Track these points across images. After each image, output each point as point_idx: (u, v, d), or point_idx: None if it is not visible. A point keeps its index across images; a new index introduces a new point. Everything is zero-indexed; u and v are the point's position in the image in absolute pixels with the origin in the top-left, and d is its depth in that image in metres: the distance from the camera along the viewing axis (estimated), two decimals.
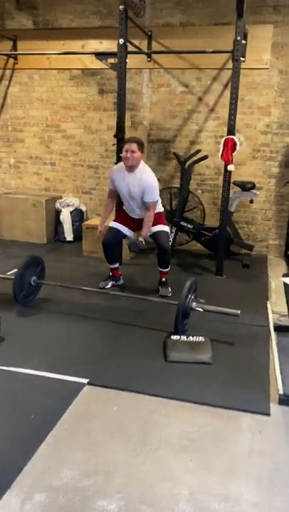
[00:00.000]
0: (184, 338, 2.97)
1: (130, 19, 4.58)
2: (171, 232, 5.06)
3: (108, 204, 3.99)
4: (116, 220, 3.95)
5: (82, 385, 2.51)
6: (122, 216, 3.95)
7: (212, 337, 3.09)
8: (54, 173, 5.92)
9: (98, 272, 4.43)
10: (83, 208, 5.83)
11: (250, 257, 5.04)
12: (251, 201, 4.94)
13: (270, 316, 3.50)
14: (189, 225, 5.07)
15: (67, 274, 4.42)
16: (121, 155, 3.73)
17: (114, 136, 4.40)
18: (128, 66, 5.21)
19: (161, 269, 4.00)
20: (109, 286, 4.07)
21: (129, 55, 5.03)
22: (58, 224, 5.70)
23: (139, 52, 4.66)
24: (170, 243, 3.96)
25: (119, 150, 4.37)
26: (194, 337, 2.98)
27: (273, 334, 3.19)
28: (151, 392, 2.45)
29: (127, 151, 3.57)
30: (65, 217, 5.60)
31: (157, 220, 3.82)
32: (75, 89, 5.57)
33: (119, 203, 4.01)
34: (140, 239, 3.63)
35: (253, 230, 5.41)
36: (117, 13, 4.08)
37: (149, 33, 5.09)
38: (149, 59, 5.19)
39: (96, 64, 5.24)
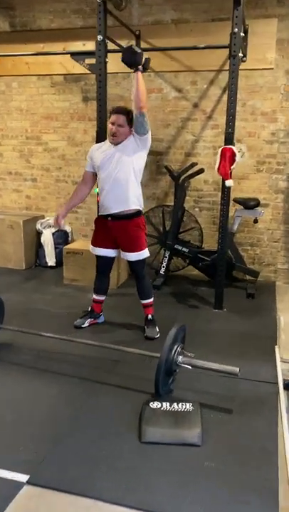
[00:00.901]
0: (166, 405, 2.30)
1: (116, 18, 4.03)
2: (164, 256, 4.42)
3: (79, 191, 3.32)
4: (96, 244, 3.30)
5: (20, 484, 1.85)
6: (99, 235, 3.29)
7: (203, 401, 2.42)
8: (35, 190, 5.33)
9: (78, 305, 3.80)
10: (68, 229, 5.21)
11: (256, 284, 4.36)
12: (255, 221, 4.27)
13: (279, 367, 2.81)
14: (185, 249, 4.42)
15: (40, 310, 3.79)
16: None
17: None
18: (114, 70, 4.67)
19: (142, 301, 3.36)
20: (86, 324, 3.43)
21: (115, 57, 4.48)
22: (39, 247, 5.08)
23: (121, 50, 4.04)
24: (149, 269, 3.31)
25: None
26: (180, 404, 2.30)
27: (283, 395, 2.50)
28: (115, 500, 1.77)
29: (113, 124, 3.01)
30: (47, 239, 4.99)
31: (136, 239, 3.17)
32: (56, 97, 5.00)
33: (95, 221, 3.36)
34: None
35: (258, 253, 4.73)
36: None
37: (137, 32, 4.51)
38: None
39: (79, 69, 4.64)
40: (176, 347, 2.43)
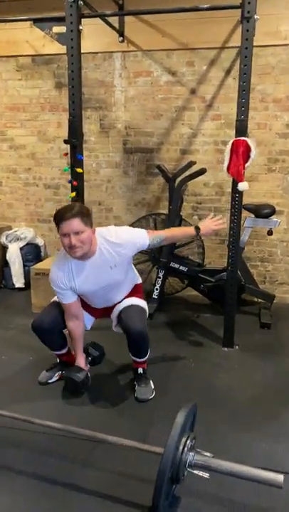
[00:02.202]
0: None
1: None
2: (158, 277, 3.57)
3: (76, 328, 2.39)
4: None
5: None
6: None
7: None
8: (0, 195, 4.43)
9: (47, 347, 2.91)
10: (40, 242, 4.32)
11: (271, 311, 3.54)
12: (270, 233, 3.45)
13: None
14: (182, 267, 3.57)
15: None
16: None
17: (66, 142, 2.94)
18: (93, 49, 3.85)
19: (134, 358, 2.48)
20: (54, 379, 2.55)
21: (94, 33, 3.67)
22: (4, 265, 4.19)
23: (96, 15, 3.21)
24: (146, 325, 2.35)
25: (75, 162, 2.94)
26: None
27: None
28: None
29: (67, 236, 2.08)
30: (13, 255, 4.10)
31: (131, 292, 2.42)
32: (23, 84, 4.12)
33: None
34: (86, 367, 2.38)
35: (270, 270, 3.91)
36: None
37: (121, 1, 3.67)
38: (121, 38, 3.76)
39: (51, 48, 3.86)
40: (184, 440, 1.58)
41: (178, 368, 2.76)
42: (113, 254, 2.20)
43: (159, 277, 3.59)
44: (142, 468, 1.79)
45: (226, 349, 3.01)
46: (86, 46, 3.71)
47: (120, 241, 2.20)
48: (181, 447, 1.55)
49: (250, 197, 3.75)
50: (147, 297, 3.61)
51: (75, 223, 2.06)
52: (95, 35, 3.72)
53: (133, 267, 2.47)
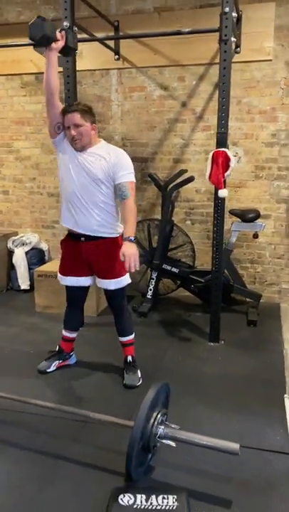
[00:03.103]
0: (140, 500, 1.68)
1: (91, 6, 3.52)
2: (152, 278, 3.82)
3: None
4: (64, 272, 2.69)
5: None
6: (68, 261, 2.67)
7: (192, 486, 1.81)
8: (7, 203, 4.74)
9: (47, 340, 3.21)
10: (44, 247, 4.62)
11: (258, 309, 3.76)
12: (255, 236, 3.68)
13: None
14: (174, 269, 3.82)
15: (0, 347, 3.18)
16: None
17: None
18: (91, 67, 4.15)
19: (121, 339, 2.76)
20: (52, 368, 2.81)
21: (92, 53, 3.97)
22: (11, 268, 4.48)
23: (92, 39, 3.50)
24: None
25: None
26: (159, 498, 1.69)
27: None
28: None
29: (69, 128, 2.41)
30: (19, 259, 4.39)
31: (113, 261, 2.54)
32: (28, 99, 4.43)
33: (62, 243, 2.75)
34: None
35: (259, 271, 4.13)
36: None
37: (116, 23, 3.95)
38: (117, 57, 4.04)
39: None
40: (155, 414, 1.83)
41: (166, 360, 3.00)
42: (105, 151, 2.45)
43: (153, 278, 3.84)
44: (124, 443, 2.04)
45: (211, 344, 3.24)
46: (85, 64, 4.03)
47: (117, 153, 2.46)
48: (151, 420, 1.80)
49: (239, 202, 4.00)
50: (142, 297, 3.90)
51: (75, 117, 2.38)
52: (92, 54, 4.02)
53: (115, 213, 2.57)
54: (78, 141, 2.41)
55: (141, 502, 1.67)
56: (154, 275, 3.83)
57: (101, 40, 3.67)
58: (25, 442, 2.12)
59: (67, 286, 2.73)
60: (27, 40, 3.91)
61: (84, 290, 2.76)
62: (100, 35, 3.78)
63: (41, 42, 2.44)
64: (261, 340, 3.31)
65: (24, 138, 4.52)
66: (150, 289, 3.83)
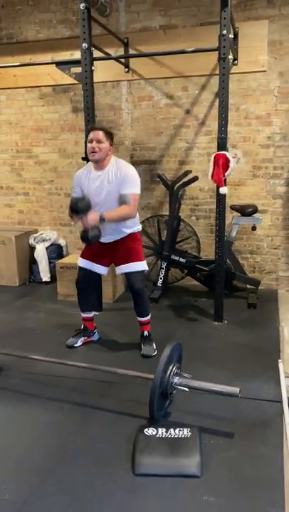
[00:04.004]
0: (162, 431, 2.13)
1: (103, 25, 3.95)
2: (161, 268, 4.27)
3: None
4: (84, 256, 3.17)
5: None
6: (91, 250, 3.15)
7: (203, 424, 2.25)
8: (28, 204, 5.20)
9: (71, 322, 3.64)
10: (62, 242, 5.07)
11: (257, 294, 4.20)
12: (254, 228, 4.12)
13: (283, 383, 2.64)
14: (182, 259, 4.27)
15: (31, 329, 3.63)
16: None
17: (83, 159, 3.67)
18: (104, 79, 4.61)
19: (139, 318, 3.20)
20: (79, 344, 3.27)
21: (104, 66, 4.41)
22: (33, 262, 4.94)
23: (107, 58, 3.96)
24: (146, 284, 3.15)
25: None
26: (177, 430, 2.13)
27: (288, 414, 2.32)
28: None
29: (91, 142, 2.87)
30: (40, 254, 4.85)
31: (131, 250, 3.04)
32: (46, 109, 4.90)
33: None
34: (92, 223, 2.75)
35: (258, 261, 4.57)
36: None
37: (126, 40, 4.41)
38: (126, 69, 4.50)
39: (68, 79, 4.54)
40: (171, 367, 2.27)
41: (176, 336, 3.43)
42: (114, 173, 2.88)
43: (162, 268, 4.29)
44: (146, 396, 2.47)
45: (216, 323, 3.68)
46: (98, 77, 4.45)
47: (124, 171, 2.87)
48: (168, 372, 2.24)
49: (239, 199, 4.44)
50: (153, 285, 4.34)
51: (100, 134, 2.85)
52: (105, 67, 4.45)
53: (138, 217, 3.09)
54: (96, 154, 2.86)
55: (162, 433, 2.11)
56: (164, 265, 4.27)
57: (116, 59, 4.12)
58: (64, 397, 2.57)
59: (80, 268, 3.16)
60: (45, 57, 4.42)
61: (96, 276, 3.20)
62: (111, 50, 4.25)
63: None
64: (260, 320, 3.74)
65: (43, 144, 4.98)
66: (160, 278, 4.28)
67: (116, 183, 2.88)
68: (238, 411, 2.38)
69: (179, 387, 2.25)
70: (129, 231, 3.03)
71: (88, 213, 2.72)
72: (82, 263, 3.16)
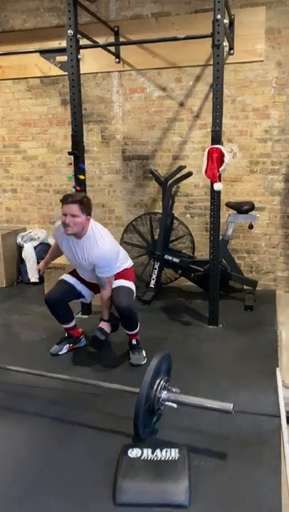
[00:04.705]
0: (147, 453, 1.93)
1: (92, 13, 3.74)
2: (154, 268, 4.07)
3: (54, 252, 3.18)
4: (71, 273, 2.99)
5: None
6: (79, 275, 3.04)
7: (193, 442, 2.06)
8: (16, 201, 5.00)
9: (57, 327, 3.40)
10: (51, 241, 4.86)
11: (254, 295, 4.00)
12: (251, 226, 3.92)
13: (281, 395, 2.45)
14: (175, 259, 4.07)
15: (15, 334, 3.44)
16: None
17: (70, 153, 3.46)
18: (94, 70, 4.39)
19: (127, 332, 2.99)
20: (64, 351, 3.07)
21: (94, 56, 4.20)
22: (21, 262, 4.74)
23: (94, 45, 3.73)
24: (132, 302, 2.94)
25: (78, 170, 3.46)
26: (164, 451, 1.94)
27: (286, 432, 2.13)
28: None
29: (65, 215, 2.65)
30: (28, 253, 4.64)
31: (121, 274, 2.91)
32: (33, 102, 4.68)
33: None
34: (101, 325, 2.88)
35: (256, 260, 4.37)
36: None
37: (116, 29, 4.19)
38: (117, 60, 4.28)
39: (56, 70, 4.33)
40: (158, 381, 2.08)
41: (168, 341, 3.25)
42: (88, 251, 2.73)
43: (155, 268, 4.09)
44: (132, 410, 2.28)
45: (210, 327, 3.49)
46: (87, 67, 4.27)
47: (95, 254, 2.72)
48: (155, 386, 2.05)
49: (235, 196, 4.23)
50: (146, 287, 4.14)
51: (74, 208, 2.62)
52: (94, 57, 4.26)
53: (122, 253, 2.95)
54: (70, 229, 2.65)
55: (147, 454, 1.92)
56: (157, 265, 4.07)
57: (103, 47, 3.90)
58: (43, 412, 2.38)
59: (61, 281, 2.97)
60: (32, 46, 4.19)
61: (75, 296, 3.00)
62: (100, 39, 4.03)
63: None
64: (257, 323, 3.55)
65: (31, 138, 4.77)
66: (153, 279, 4.08)
67: (89, 263, 2.76)
68: (231, 427, 2.19)
69: (167, 403, 2.05)
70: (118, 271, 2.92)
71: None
72: (67, 277, 2.98)
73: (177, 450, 1.93)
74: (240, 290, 4.21)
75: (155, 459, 1.89)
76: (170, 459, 1.89)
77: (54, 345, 3.09)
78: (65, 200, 2.67)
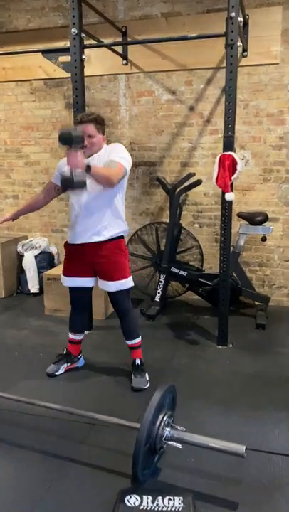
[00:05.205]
0: (147, 501, 1.69)
1: (99, 13, 3.56)
2: (160, 281, 3.84)
3: (35, 199, 2.83)
4: (67, 274, 2.73)
5: None
6: (71, 263, 2.70)
7: (199, 488, 1.82)
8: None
9: (56, 344, 3.23)
10: (53, 250, 4.66)
11: (266, 312, 3.75)
12: (264, 239, 3.68)
13: None
14: (182, 272, 3.83)
15: (10, 350, 3.22)
16: None
17: None
18: (100, 72, 4.20)
19: (127, 342, 2.77)
20: (61, 371, 2.84)
21: (100, 58, 4.01)
22: (21, 272, 4.53)
23: (99, 45, 3.54)
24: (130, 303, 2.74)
25: None
26: (166, 499, 1.70)
27: None
28: None
29: None
30: (29, 263, 4.44)
31: (115, 266, 2.60)
32: (37, 105, 4.49)
33: (65, 246, 2.78)
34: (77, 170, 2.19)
35: (268, 274, 4.12)
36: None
37: (124, 29, 4.00)
38: (124, 61, 4.08)
39: (61, 72, 4.16)
40: (161, 417, 1.84)
41: (174, 362, 3.01)
42: (103, 154, 2.50)
43: (161, 282, 3.85)
44: (131, 444, 2.05)
45: (219, 347, 3.24)
46: (93, 70, 4.08)
47: (112, 146, 2.55)
48: (158, 422, 1.81)
49: (247, 205, 4.00)
50: (151, 301, 3.91)
51: (90, 127, 2.43)
52: (101, 59, 4.07)
53: (121, 211, 2.62)
54: (88, 151, 2.45)
55: (147, 503, 1.68)
56: (163, 278, 3.84)
57: (109, 46, 3.71)
58: (34, 444, 2.15)
59: (70, 288, 2.76)
60: (36, 47, 4.00)
61: (87, 291, 2.79)
62: (107, 40, 3.84)
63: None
64: (270, 343, 3.30)
65: (34, 143, 4.58)
66: (158, 292, 3.84)
67: (106, 158, 2.47)
68: (243, 468, 1.94)
69: (170, 442, 1.81)
70: (109, 234, 2.55)
71: (78, 149, 2.18)
72: (67, 282, 2.74)
73: (181, 499, 1.69)
74: (250, 305, 3.96)
75: (156, 509, 1.65)
76: (173, 509, 1.65)
77: (51, 364, 2.86)
78: (79, 120, 2.46)
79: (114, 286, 2.60)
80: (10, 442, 2.16)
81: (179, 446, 1.82)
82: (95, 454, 2.07)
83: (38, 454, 2.08)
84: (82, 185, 2.21)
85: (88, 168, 2.21)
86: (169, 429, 1.85)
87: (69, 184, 2.20)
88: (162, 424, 1.83)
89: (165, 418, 1.85)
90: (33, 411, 2.31)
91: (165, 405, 1.90)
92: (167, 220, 4.08)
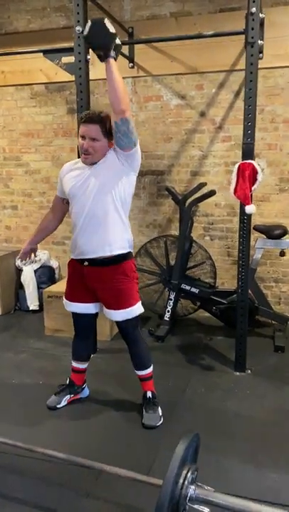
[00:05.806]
0: None
1: (105, 11, 3.32)
2: (169, 298, 3.56)
3: (45, 221, 2.57)
4: (70, 299, 2.44)
5: None
6: (74, 286, 2.40)
7: None
8: (16, 218, 4.52)
9: (57, 370, 2.94)
10: (54, 264, 4.38)
11: (285, 333, 3.46)
12: (282, 254, 3.40)
13: None
14: (194, 289, 3.55)
15: (6, 378, 2.92)
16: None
17: None
18: (104, 75, 3.89)
19: (137, 372, 2.47)
20: (63, 403, 2.55)
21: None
22: (20, 287, 4.25)
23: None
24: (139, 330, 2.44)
25: None
26: None
27: None
28: None
29: (83, 138, 2.14)
30: (28, 277, 4.15)
31: (123, 292, 2.27)
32: (37, 110, 4.24)
33: (69, 265, 2.49)
34: None
35: (285, 291, 3.84)
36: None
37: (130, 30, 3.76)
38: (131, 64, 3.84)
39: (63, 76, 3.91)
40: (185, 473, 1.54)
41: (188, 394, 2.72)
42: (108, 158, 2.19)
43: (171, 299, 3.57)
44: (144, 499, 1.76)
45: (237, 373, 2.95)
46: (97, 73, 3.78)
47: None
48: (181, 480, 1.52)
49: (263, 217, 3.73)
50: (159, 319, 3.63)
51: (93, 129, 2.10)
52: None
53: (127, 223, 2.31)
54: (89, 157, 2.16)
55: None
56: (172, 295, 3.56)
57: None
58: (29, 494, 1.85)
59: (73, 313, 2.48)
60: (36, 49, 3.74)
61: (91, 318, 2.51)
62: None
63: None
64: None
65: (34, 151, 4.32)
66: (168, 311, 3.56)
67: (110, 164, 2.18)
68: None
69: (196, 506, 1.51)
70: (115, 252, 2.24)
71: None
72: (70, 307, 2.45)
73: None
74: (266, 324, 3.68)
75: None
76: None
77: (52, 395, 2.57)
78: (83, 118, 2.14)
79: (119, 315, 2.31)
80: (5, 494, 1.87)
81: (207, 510, 1.52)
82: (101, 510, 1.77)
83: (33, 510, 1.78)
84: (114, 37, 1.98)
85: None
86: (193, 486, 1.55)
87: (100, 30, 1.91)
88: (186, 482, 1.54)
89: (189, 474, 1.55)
90: (31, 454, 2.01)
91: (188, 459, 1.60)
92: (176, 233, 3.82)
